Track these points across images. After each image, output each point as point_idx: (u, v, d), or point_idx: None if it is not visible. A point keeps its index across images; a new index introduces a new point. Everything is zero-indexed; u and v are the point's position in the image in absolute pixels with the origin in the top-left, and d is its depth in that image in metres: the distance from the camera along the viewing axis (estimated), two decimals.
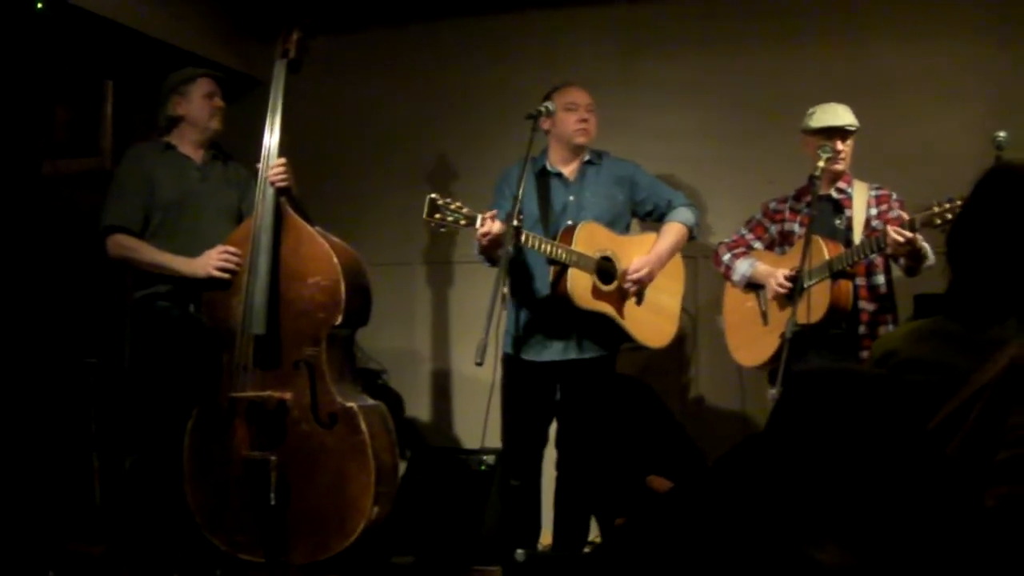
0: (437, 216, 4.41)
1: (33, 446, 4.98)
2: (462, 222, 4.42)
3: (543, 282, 4.60)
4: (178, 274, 4.48)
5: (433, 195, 4.42)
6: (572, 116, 4.72)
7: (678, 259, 4.85)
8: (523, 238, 4.43)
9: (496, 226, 4.37)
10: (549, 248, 4.49)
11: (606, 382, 4.58)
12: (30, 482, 4.91)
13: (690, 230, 4.80)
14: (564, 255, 4.49)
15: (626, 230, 4.84)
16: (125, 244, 4.55)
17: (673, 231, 4.77)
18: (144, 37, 5.46)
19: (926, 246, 4.37)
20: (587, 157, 4.81)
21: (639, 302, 4.72)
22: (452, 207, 4.41)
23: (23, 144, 5.37)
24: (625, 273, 4.63)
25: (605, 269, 4.63)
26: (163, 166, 4.66)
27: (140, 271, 4.58)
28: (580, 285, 4.54)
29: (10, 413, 4.88)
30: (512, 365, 4.64)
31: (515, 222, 4.27)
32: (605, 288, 4.62)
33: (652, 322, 4.75)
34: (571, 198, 4.75)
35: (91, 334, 5.59)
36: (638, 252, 4.70)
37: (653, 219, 4.86)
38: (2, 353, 4.94)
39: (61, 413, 5.24)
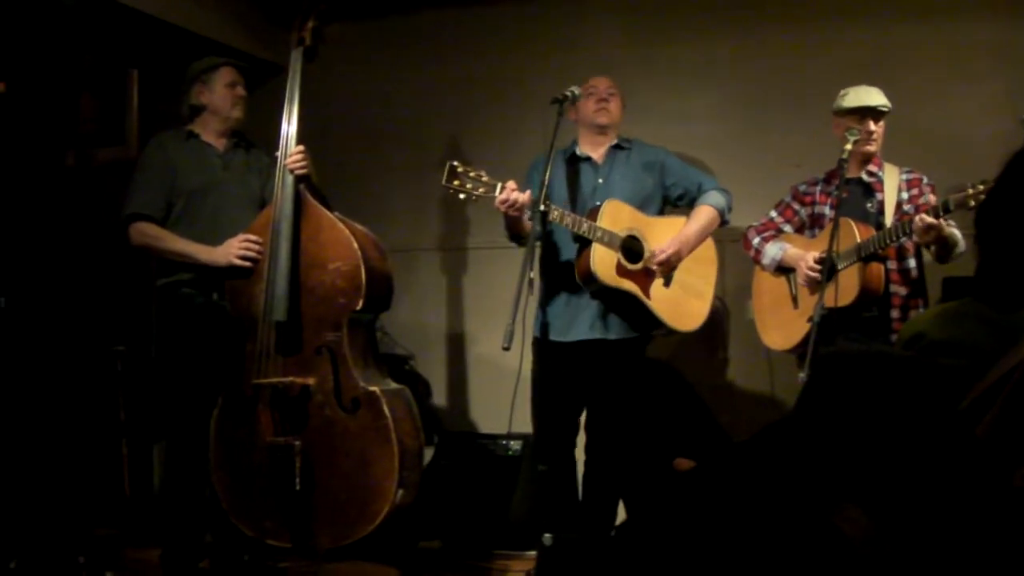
0: (456, 183, 4.43)
1: (63, 433, 5.01)
2: (481, 190, 4.43)
3: (570, 260, 4.61)
4: (199, 262, 4.49)
5: (454, 162, 4.45)
6: (591, 100, 4.77)
7: (710, 243, 4.81)
8: (549, 213, 4.43)
9: (515, 194, 4.38)
10: (572, 221, 4.49)
11: (635, 366, 4.57)
12: (60, 468, 4.95)
13: (721, 214, 4.76)
14: (588, 230, 4.49)
15: (658, 214, 4.80)
16: (147, 232, 4.56)
17: (703, 214, 4.74)
18: (168, 26, 5.47)
19: (956, 233, 4.34)
20: (616, 142, 4.82)
21: (667, 284, 4.68)
22: (472, 174, 4.43)
23: (49, 134, 5.40)
24: (652, 254, 4.60)
25: (631, 248, 4.60)
26: (185, 154, 4.68)
27: (163, 259, 4.60)
28: (604, 261, 4.52)
29: (41, 400, 4.92)
30: (541, 348, 4.62)
31: (541, 206, 4.26)
32: (630, 267, 4.59)
33: (680, 304, 4.69)
34: (600, 181, 4.75)
35: (119, 321, 5.62)
36: (667, 234, 4.67)
37: (684, 204, 4.83)
38: (33, 341, 4.97)
39: (90, 400, 5.27)
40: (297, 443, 4.21)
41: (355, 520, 4.24)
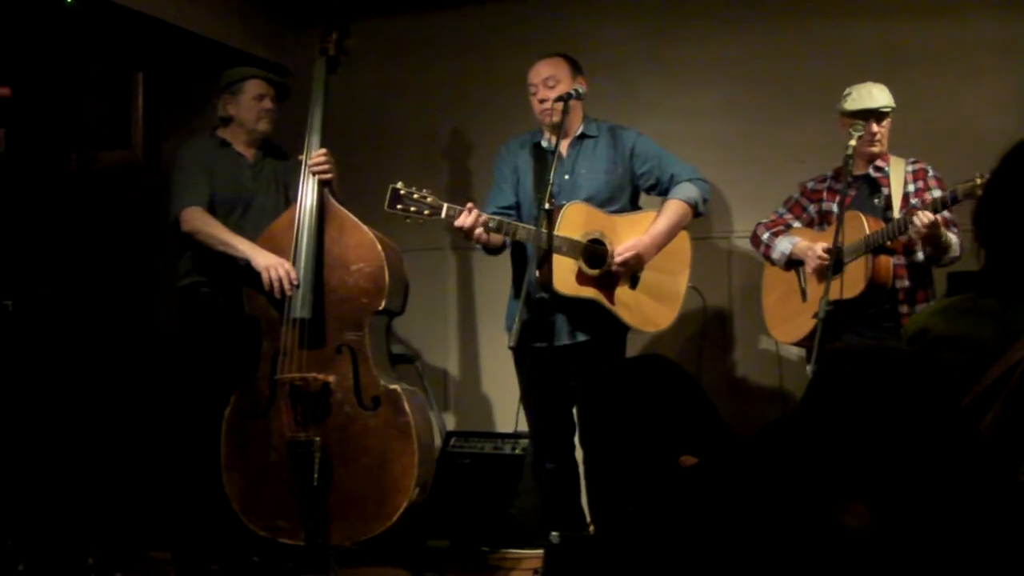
0: (399, 207, 4.35)
1: (71, 435, 5.02)
2: (426, 212, 4.35)
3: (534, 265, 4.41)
4: (241, 255, 4.46)
5: (397, 184, 4.36)
6: (533, 100, 4.57)
7: (684, 238, 4.60)
8: (494, 224, 4.35)
9: (468, 219, 4.30)
10: (528, 234, 4.36)
11: (615, 363, 4.48)
12: (68, 470, 4.96)
13: (694, 207, 4.53)
14: (546, 241, 4.31)
15: (630, 204, 4.63)
16: (200, 217, 4.54)
17: (672, 209, 4.51)
18: (174, 28, 5.47)
19: (952, 237, 4.33)
20: (580, 131, 4.64)
21: (633, 286, 4.51)
22: (416, 196, 4.34)
23: (55, 138, 5.41)
24: (613, 258, 4.43)
25: (595, 252, 4.44)
26: (219, 162, 4.72)
27: (183, 259, 4.64)
28: (561, 271, 4.36)
29: (49, 402, 4.93)
30: (518, 354, 4.52)
31: (547, 205, 4.13)
32: (591, 272, 4.42)
33: (647, 307, 4.53)
34: (565, 176, 4.56)
35: (127, 323, 5.63)
36: (635, 232, 4.49)
37: (656, 194, 4.64)
38: (40, 344, 4.99)
39: (98, 402, 5.28)
40: (317, 439, 4.27)
41: (372, 517, 4.29)
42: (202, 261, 4.61)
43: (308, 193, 4.48)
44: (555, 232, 4.35)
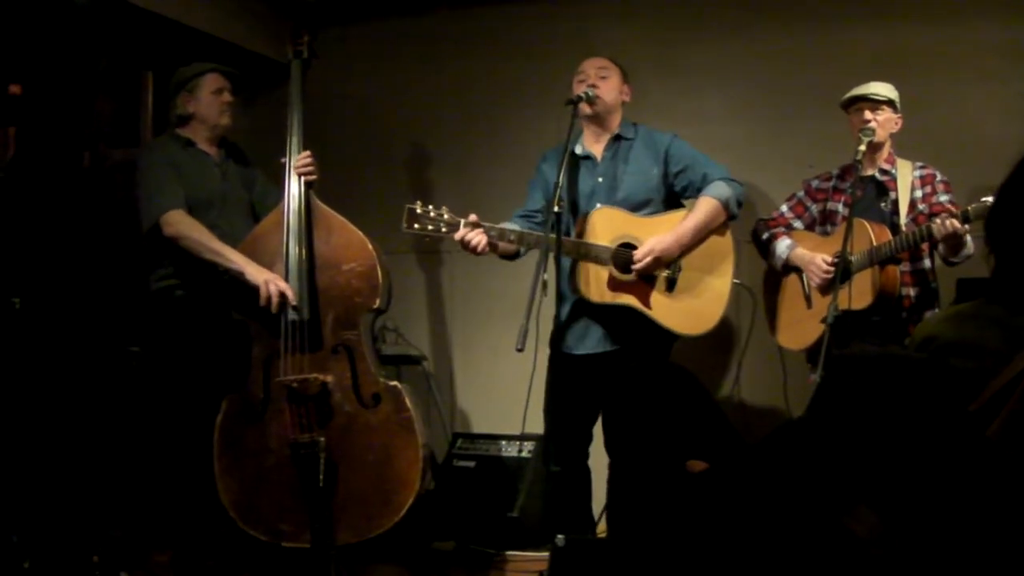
0: (417, 226, 4.39)
1: (77, 432, 5.03)
2: (444, 229, 4.38)
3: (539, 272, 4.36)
4: (234, 266, 4.40)
5: (411, 204, 4.39)
6: (581, 87, 4.57)
7: (725, 235, 4.53)
8: (495, 233, 4.37)
9: (469, 234, 4.35)
10: (535, 240, 4.35)
11: (639, 369, 4.46)
12: (74, 468, 4.96)
13: (725, 205, 4.47)
14: (569, 249, 4.33)
15: (665, 207, 4.58)
16: (185, 221, 4.46)
17: (702, 206, 4.46)
18: (184, 28, 5.48)
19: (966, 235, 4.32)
20: (617, 131, 4.64)
21: (670, 288, 4.45)
22: (432, 215, 4.37)
23: (66, 136, 5.42)
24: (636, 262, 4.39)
25: (626, 258, 4.43)
26: (187, 162, 4.66)
27: (164, 263, 4.59)
28: (592, 279, 4.36)
29: (55, 400, 4.94)
30: (555, 359, 4.44)
31: (555, 209, 4.11)
32: (624, 278, 4.41)
33: (687, 309, 4.46)
34: (599, 179, 4.57)
35: (134, 322, 5.63)
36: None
37: (688, 195, 4.59)
38: (48, 341, 4.99)
39: (105, 400, 5.29)
40: (322, 439, 4.27)
41: (379, 513, 4.30)
42: (180, 264, 4.54)
43: (294, 195, 4.45)
44: (586, 239, 4.38)
